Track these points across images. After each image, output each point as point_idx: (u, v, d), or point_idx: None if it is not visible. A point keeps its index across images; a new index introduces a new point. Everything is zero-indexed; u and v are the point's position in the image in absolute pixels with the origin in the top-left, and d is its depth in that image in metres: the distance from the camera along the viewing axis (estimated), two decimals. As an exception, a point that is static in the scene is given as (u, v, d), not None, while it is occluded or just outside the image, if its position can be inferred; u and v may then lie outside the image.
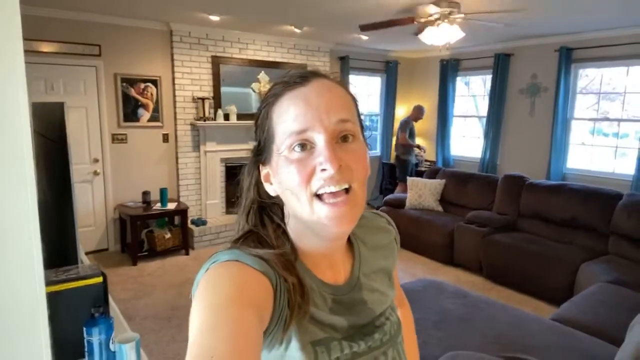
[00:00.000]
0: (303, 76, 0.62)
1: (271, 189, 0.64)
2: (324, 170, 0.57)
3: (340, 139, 0.59)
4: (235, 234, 0.66)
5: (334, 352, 0.60)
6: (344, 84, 0.65)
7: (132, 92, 4.77)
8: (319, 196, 0.58)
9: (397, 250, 0.80)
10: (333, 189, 0.57)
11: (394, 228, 0.81)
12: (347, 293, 0.66)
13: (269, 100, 0.63)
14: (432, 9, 3.42)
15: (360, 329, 0.65)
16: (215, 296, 0.51)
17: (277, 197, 0.64)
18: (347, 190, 0.59)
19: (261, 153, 0.64)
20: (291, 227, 0.65)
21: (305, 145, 0.58)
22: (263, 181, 0.66)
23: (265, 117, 0.63)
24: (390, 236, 0.80)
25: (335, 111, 0.59)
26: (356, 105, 0.66)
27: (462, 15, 3.52)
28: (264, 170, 0.65)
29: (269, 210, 0.67)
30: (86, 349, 1.19)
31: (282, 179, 0.60)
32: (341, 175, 0.57)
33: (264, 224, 0.65)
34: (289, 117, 0.59)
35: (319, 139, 0.58)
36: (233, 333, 0.46)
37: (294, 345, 0.58)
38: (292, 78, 0.62)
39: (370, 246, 0.74)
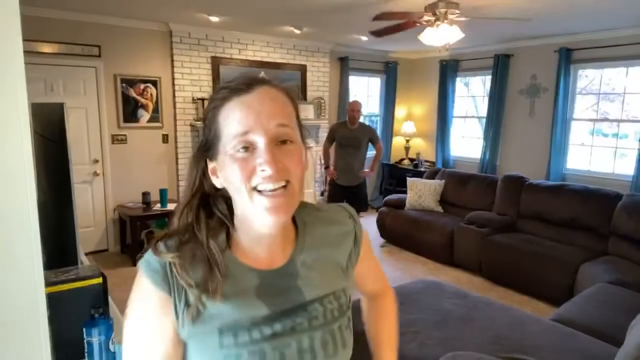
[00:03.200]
0: (249, 83, 0.68)
1: (217, 182, 0.71)
2: (263, 170, 0.64)
3: (279, 142, 0.66)
4: (172, 226, 0.72)
5: (241, 335, 0.66)
6: (286, 91, 0.71)
7: (132, 93, 4.77)
8: (259, 191, 0.65)
9: (357, 242, 0.82)
10: (271, 186, 0.64)
11: (354, 221, 0.83)
12: (277, 278, 0.72)
13: (216, 103, 0.69)
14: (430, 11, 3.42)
15: (284, 312, 0.70)
16: (130, 322, 0.67)
17: (223, 188, 0.71)
18: (284, 186, 0.66)
19: (208, 149, 0.70)
20: (237, 215, 0.71)
21: (247, 147, 0.65)
22: (210, 174, 0.71)
23: (212, 118, 0.69)
24: (346, 228, 0.82)
25: (275, 117, 0.66)
26: (296, 111, 0.72)
27: (463, 18, 3.52)
28: (210, 165, 0.71)
29: (212, 201, 0.73)
30: (86, 350, 1.19)
31: (226, 174, 0.67)
32: (279, 174, 0.64)
33: (198, 221, 0.71)
34: (234, 120, 0.65)
35: (260, 142, 0.64)
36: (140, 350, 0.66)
37: (206, 329, 0.66)
38: (239, 84, 0.68)
39: (318, 236, 0.78)
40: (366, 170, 4.64)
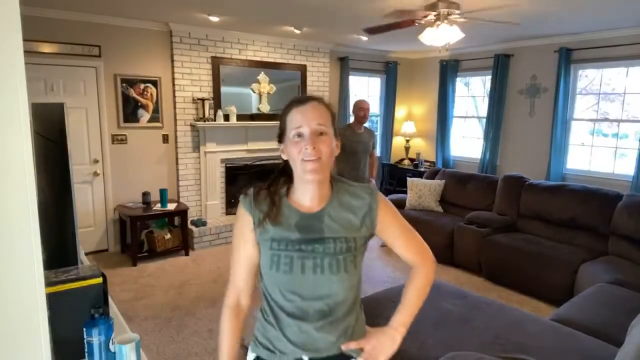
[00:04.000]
0: (306, 98, 1.13)
1: (284, 156, 1.16)
2: (306, 149, 1.07)
3: (318, 133, 1.09)
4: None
5: (282, 245, 1.12)
6: (326, 104, 1.14)
7: (132, 93, 4.77)
8: (304, 161, 1.08)
9: (370, 211, 1.17)
10: (310, 158, 1.07)
11: (371, 197, 1.18)
12: (310, 219, 1.14)
13: (286, 109, 1.14)
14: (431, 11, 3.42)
15: (309, 240, 1.12)
16: (233, 233, 1.21)
17: (287, 160, 1.15)
18: (318, 159, 1.08)
19: (280, 137, 1.16)
20: (294, 176, 1.15)
21: (300, 135, 1.09)
22: (280, 152, 1.16)
23: (284, 118, 1.14)
24: (364, 201, 1.18)
25: (316, 119, 1.09)
26: (332, 117, 1.14)
27: (464, 19, 3.52)
28: (280, 146, 1.16)
29: (286, 167, 1.17)
30: (86, 350, 1.19)
31: (288, 151, 1.12)
32: (314, 152, 1.07)
33: (272, 179, 1.20)
34: (294, 120, 1.11)
35: (306, 133, 1.08)
36: (233, 255, 1.20)
37: (265, 238, 1.14)
38: (300, 99, 1.13)
39: (342, 202, 1.17)
40: (371, 178, 4.30)
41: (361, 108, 4.00)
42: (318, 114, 1.10)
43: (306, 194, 1.14)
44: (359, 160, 4.07)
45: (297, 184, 1.15)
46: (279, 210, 1.14)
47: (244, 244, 1.17)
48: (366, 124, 4.16)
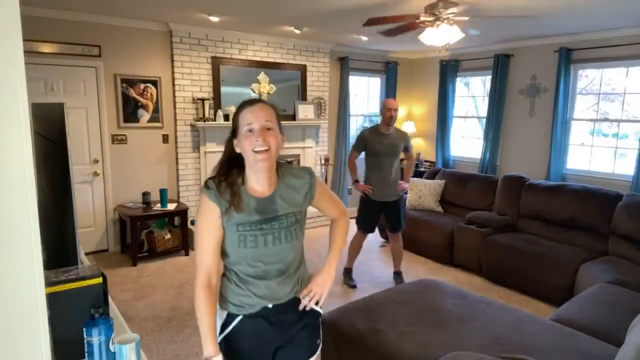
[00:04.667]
0: (254, 101, 1.38)
1: (237, 149, 1.38)
2: (257, 141, 1.31)
3: (267, 128, 1.33)
4: (214, 172, 1.42)
5: (246, 227, 1.36)
6: (271, 105, 1.39)
7: (132, 93, 4.77)
8: (255, 152, 1.31)
9: (311, 189, 1.48)
10: (260, 149, 1.31)
11: (310, 177, 1.48)
12: (265, 201, 1.39)
13: (238, 110, 1.38)
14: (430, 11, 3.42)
15: (267, 219, 1.38)
16: (197, 221, 1.39)
17: (239, 153, 1.37)
18: (266, 150, 1.31)
19: (234, 132, 1.39)
20: (247, 166, 1.38)
21: (251, 130, 1.32)
22: (234, 145, 1.39)
23: (236, 117, 1.38)
24: (305, 181, 1.47)
25: (264, 117, 1.34)
26: (277, 114, 1.39)
27: (464, 18, 3.53)
28: (234, 141, 1.39)
29: (236, 160, 1.40)
30: (86, 350, 1.19)
31: (241, 145, 1.35)
32: (264, 143, 1.31)
33: (228, 171, 1.40)
34: (245, 118, 1.34)
35: (256, 128, 1.32)
36: (200, 241, 1.38)
37: (231, 223, 1.36)
38: (250, 101, 1.38)
39: (288, 184, 1.44)
40: (402, 182, 3.94)
41: (388, 108, 3.75)
42: (265, 113, 1.34)
43: (258, 181, 1.38)
44: (381, 162, 3.81)
45: (250, 173, 1.39)
46: (240, 198, 1.36)
47: (212, 230, 1.36)
48: (392, 125, 3.82)
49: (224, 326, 1.45)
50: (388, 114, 3.75)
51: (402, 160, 4.04)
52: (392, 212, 3.91)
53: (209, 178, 1.38)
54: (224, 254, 1.41)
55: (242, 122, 1.34)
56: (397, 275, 4.11)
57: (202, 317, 1.35)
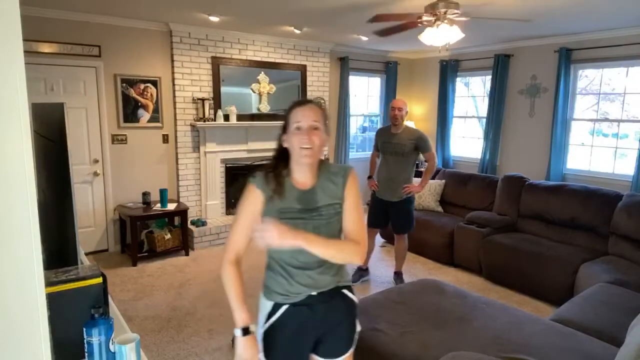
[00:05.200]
0: (306, 101, 1.49)
1: (285, 144, 1.49)
2: (303, 139, 1.42)
3: (313, 128, 1.44)
4: (268, 161, 1.57)
5: (288, 214, 1.45)
6: (320, 106, 1.49)
7: (132, 93, 4.77)
8: (301, 148, 1.42)
9: (346, 183, 1.52)
10: (306, 146, 1.42)
11: (345, 171, 1.54)
12: (306, 193, 1.50)
13: (290, 108, 1.49)
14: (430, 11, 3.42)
15: (307, 209, 1.48)
16: (239, 206, 1.53)
17: (287, 147, 1.49)
18: (310, 148, 1.42)
19: (284, 130, 1.49)
20: (292, 160, 1.49)
21: (299, 128, 1.43)
22: (282, 141, 1.50)
23: (287, 114, 1.48)
24: (340, 174, 1.53)
25: (312, 117, 1.44)
26: (325, 115, 1.49)
27: (464, 18, 3.52)
28: (283, 136, 1.50)
29: (284, 154, 1.51)
30: (86, 350, 1.19)
31: (289, 140, 1.46)
32: (309, 142, 1.42)
33: (275, 163, 1.53)
34: (295, 117, 1.45)
35: (304, 127, 1.43)
36: (237, 224, 1.52)
37: (274, 209, 1.47)
38: (301, 101, 1.49)
39: (327, 177, 1.53)
40: (414, 184, 3.79)
41: (392, 107, 3.77)
42: (314, 113, 1.45)
43: (301, 174, 1.50)
44: (387, 162, 3.81)
45: (294, 166, 1.50)
46: (283, 187, 1.47)
47: (251, 214, 1.48)
48: (400, 125, 3.77)
49: (269, 316, 1.53)
50: (392, 113, 3.76)
51: (425, 161, 3.94)
52: (395, 213, 3.89)
53: (256, 171, 1.52)
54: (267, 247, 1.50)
55: (292, 120, 1.45)
56: (397, 275, 4.11)
57: (231, 289, 1.47)
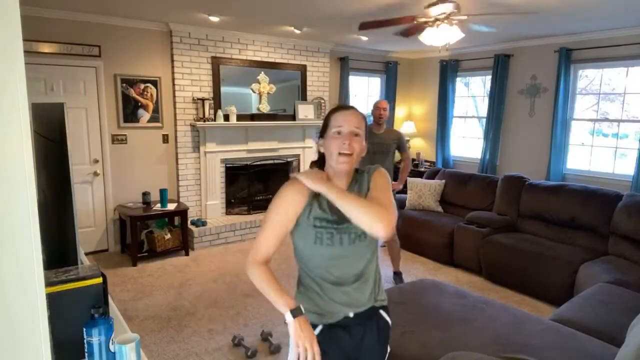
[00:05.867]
0: (348, 107, 1.44)
1: (321, 149, 1.45)
2: (343, 144, 1.35)
3: (354, 134, 1.37)
4: (313, 159, 1.56)
5: (323, 223, 1.37)
6: (360, 113, 1.43)
7: (132, 93, 4.77)
8: (339, 154, 1.35)
9: (371, 178, 1.44)
10: (345, 151, 1.35)
11: (370, 169, 1.47)
12: None
13: (331, 112, 1.44)
14: (434, 11, 3.42)
15: (343, 218, 1.33)
16: (271, 205, 1.41)
17: (323, 152, 1.44)
18: (349, 154, 1.36)
19: (322, 133, 1.44)
20: (329, 165, 1.42)
21: (340, 133, 1.37)
22: (319, 145, 1.46)
23: (327, 119, 1.43)
24: (365, 174, 1.46)
25: (353, 123, 1.38)
26: (365, 122, 1.43)
27: (464, 17, 3.52)
28: (320, 141, 1.46)
29: (323, 157, 1.45)
30: (86, 350, 1.19)
31: (327, 145, 1.40)
32: (349, 147, 1.35)
33: (320, 163, 1.49)
34: (336, 121, 1.39)
35: (345, 131, 1.37)
36: (270, 226, 1.39)
37: (311, 217, 1.38)
38: (344, 106, 1.45)
39: (360, 182, 1.45)
40: (393, 182, 3.87)
41: (377, 107, 3.93)
42: (356, 119, 1.39)
43: (337, 177, 1.42)
44: (372, 161, 3.78)
45: (330, 172, 1.43)
46: (320, 194, 1.38)
47: (286, 218, 1.37)
48: (383, 124, 3.95)
49: None
50: (377, 113, 3.92)
51: (399, 161, 4.02)
52: None
53: (296, 175, 1.44)
54: (301, 259, 1.43)
55: (333, 124, 1.39)
56: (397, 275, 4.11)
57: (265, 284, 1.34)
